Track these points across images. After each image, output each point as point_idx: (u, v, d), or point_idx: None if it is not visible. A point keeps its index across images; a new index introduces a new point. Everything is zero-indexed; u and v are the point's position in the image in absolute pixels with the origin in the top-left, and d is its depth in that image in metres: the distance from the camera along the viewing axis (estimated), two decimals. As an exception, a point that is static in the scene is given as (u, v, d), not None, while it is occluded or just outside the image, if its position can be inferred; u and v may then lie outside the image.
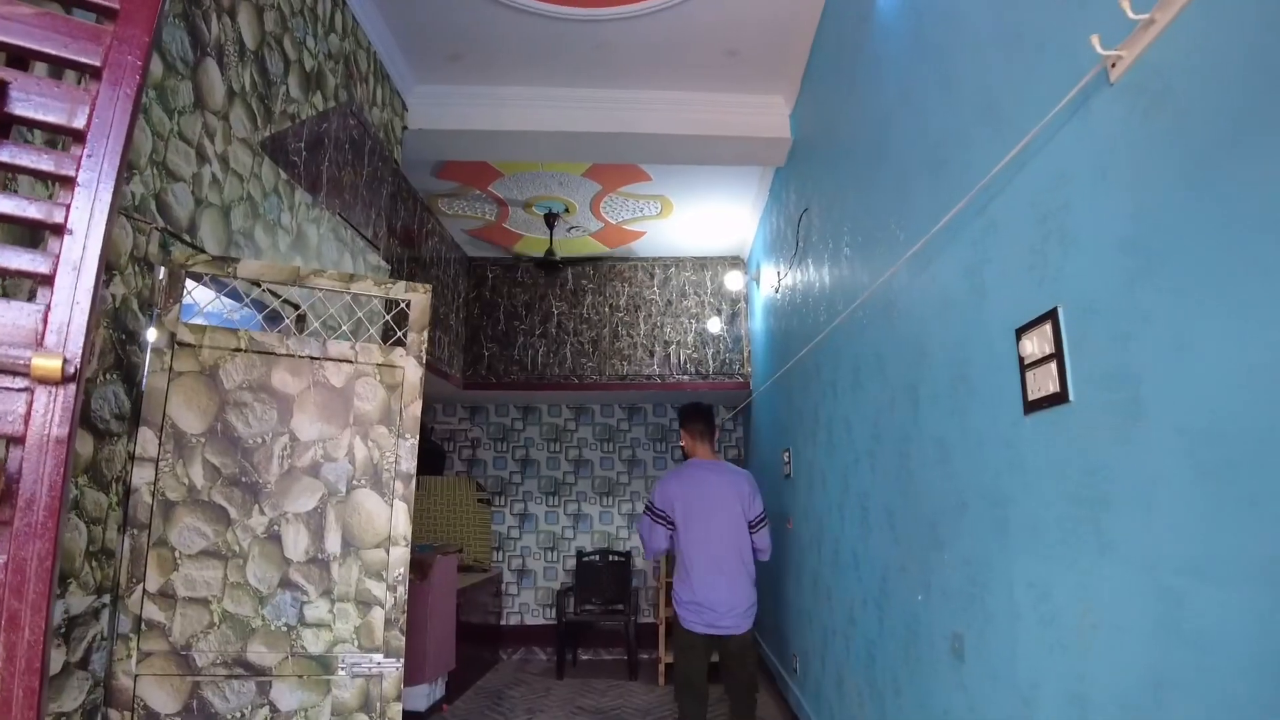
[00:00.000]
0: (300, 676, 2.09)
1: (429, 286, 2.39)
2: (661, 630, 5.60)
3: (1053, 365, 1.45)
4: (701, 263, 6.32)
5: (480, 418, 6.89)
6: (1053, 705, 1.43)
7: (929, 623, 2.06)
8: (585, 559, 6.44)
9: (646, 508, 3.57)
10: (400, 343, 2.35)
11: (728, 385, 6.09)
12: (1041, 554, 1.49)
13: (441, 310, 5.73)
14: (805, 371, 3.88)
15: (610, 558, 6.46)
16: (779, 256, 4.74)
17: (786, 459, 4.43)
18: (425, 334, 2.36)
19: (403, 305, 2.41)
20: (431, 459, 6.65)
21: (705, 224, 5.67)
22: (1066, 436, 1.40)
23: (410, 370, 2.30)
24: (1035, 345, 1.52)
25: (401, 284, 2.37)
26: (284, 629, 2.11)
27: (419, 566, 4.69)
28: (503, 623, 6.54)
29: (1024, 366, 1.56)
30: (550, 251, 5.45)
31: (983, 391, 1.76)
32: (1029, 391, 1.54)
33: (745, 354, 6.14)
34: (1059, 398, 1.42)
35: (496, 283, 6.35)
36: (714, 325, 6.17)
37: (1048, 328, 1.47)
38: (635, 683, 5.63)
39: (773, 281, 4.97)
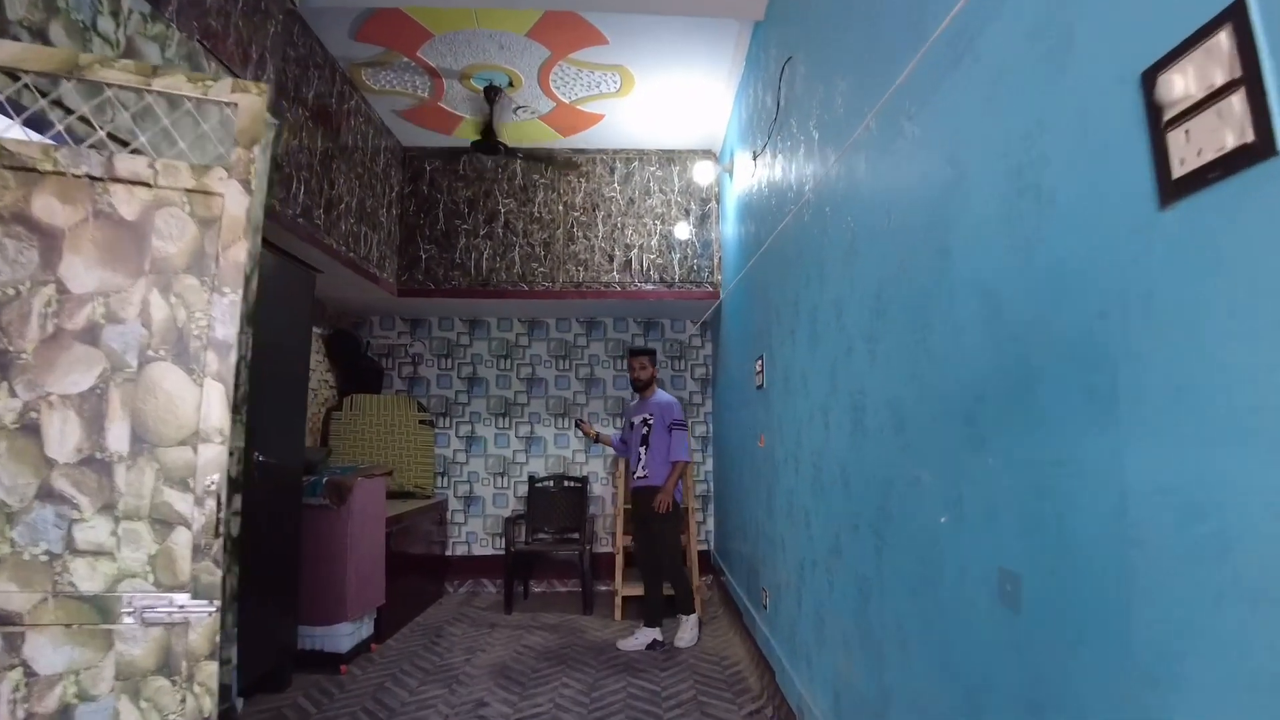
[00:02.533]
0: (67, 626, 1.47)
1: (264, 87, 1.69)
2: (619, 560, 5.08)
3: (1236, 98, 0.82)
4: (668, 156, 5.59)
5: (422, 331, 6.21)
6: (1211, 686, 0.85)
7: (958, 555, 1.48)
8: (538, 485, 5.88)
9: (683, 424, 4.57)
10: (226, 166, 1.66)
11: (696, 294, 5.45)
12: (1195, 436, 0.88)
13: (370, 204, 4.99)
14: (784, 258, 3.25)
15: (565, 484, 5.91)
16: (755, 133, 4.05)
17: (759, 368, 3.84)
18: (258, 152, 1.66)
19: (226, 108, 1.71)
20: (367, 376, 5.98)
21: (672, 105, 4.93)
22: (1270, 218, 0.79)
23: (233, 199, 1.62)
24: (1190, 81, 0.89)
25: (226, 81, 1.67)
26: (43, 559, 1.47)
27: (335, 490, 4.07)
28: (448, 553, 5.99)
29: (1164, 126, 0.93)
30: (489, 129, 4.69)
31: (1071, 191, 1.13)
32: (1175, 163, 0.91)
33: (716, 260, 5.48)
34: (1253, 153, 0.80)
35: (435, 176, 5.58)
36: (681, 231, 5.49)
37: (1219, 42, 0.84)
38: (589, 617, 5.14)
39: (748, 167, 4.29)
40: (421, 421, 5.94)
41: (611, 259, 5.45)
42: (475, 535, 6.02)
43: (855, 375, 2.19)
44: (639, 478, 4.58)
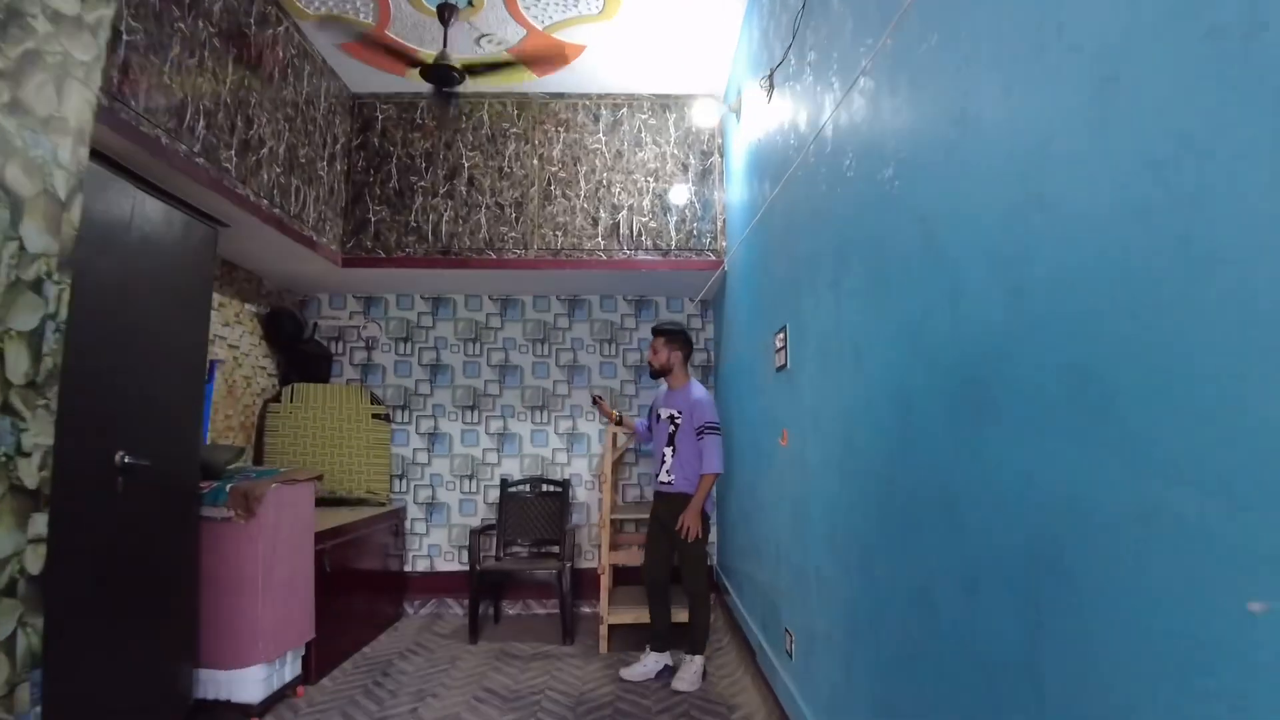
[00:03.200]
0: None
1: None
2: (605, 581, 4.24)
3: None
4: (662, 102, 4.73)
5: (377, 311, 5.34)
6: None
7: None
8: (512, 490, 5.03)
9: (716, 427, 3.75)
10: None
11: (695, 264, 4.60)
12: None
13: (305, 154, 4.13)
14: (811, 184, 2.41)
15: (543, 488, 5.06)
16: (769, 59, 3.20)
17: (779, 344, 2.99)
18: None
19: None
20: (313, 363, 5.11)
21: (666, 34, 4.07)
22: None
23: None
24: None
25: None
26: None
27: (242, 499, 3.22)
28: (407, 569, 5.14)
29: None
30: (443, 57, 3.81)
31: None
32: None
33: (719, 224, 4.63)
34: None
35: (388, 127, 4.71)
36: (679, 195, 4.64)
37: None
38: (570, 647, 4.30)
39: (759, 101, 3.44)
40: (376, 416, 5.09)
41: (595, 222, 4.59)
42: (438, 548, 5.17)
43: (971, 334, 1.34)
44: (663, 482, 3.84)
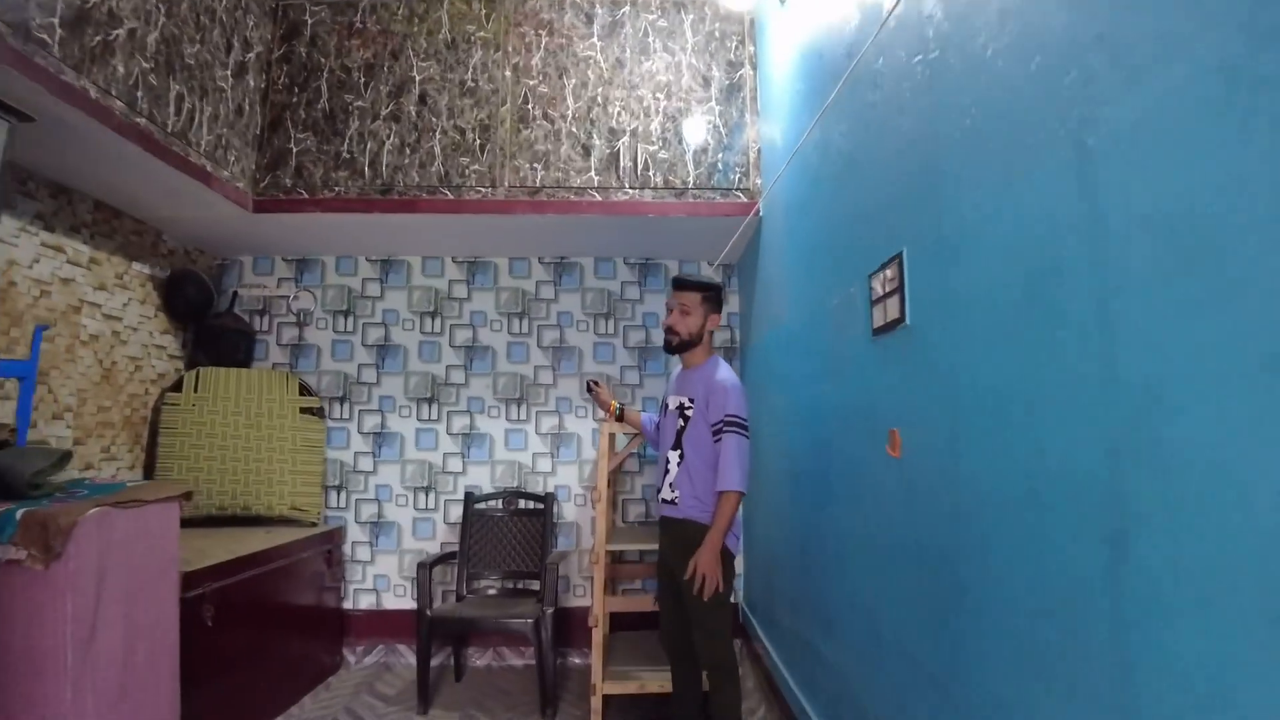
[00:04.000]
0: None
1: None
2: (598, 635, 3.10)
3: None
4: (677, -3, 3.60)
5: (311, 278, 4.20)
6: None
7: None
8: (479, 507, 3.90)
9: (742, 425, 2.48)
10: None
11: (720, 208, 3.46)
12: None
13: (195, 55, 3.01)
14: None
15: (520, 505, 3.92)
16: None
17: (884, 286, 1.83)
18: None
19: None
20: (228, 342, 3.97)
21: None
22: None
23: None
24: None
25: None
26: None
27: (38, 533, 2.09)
28: (347, 606, 4.00)
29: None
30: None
31: None
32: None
33: (751, 157, 3.49)
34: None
35: (319, 34, 3.57)
36: (698, 119, 3.50)
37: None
38: (552, 724, 3.17)
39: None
40: (306, 410, 3.95)
41: (587, 151, 3.45)
42: (386, 580, 4.02)
43: None
44: (665, 501, 2.64)
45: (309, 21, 3.60)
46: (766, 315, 3.38)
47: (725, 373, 2.57)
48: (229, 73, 3.28)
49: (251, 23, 3.45)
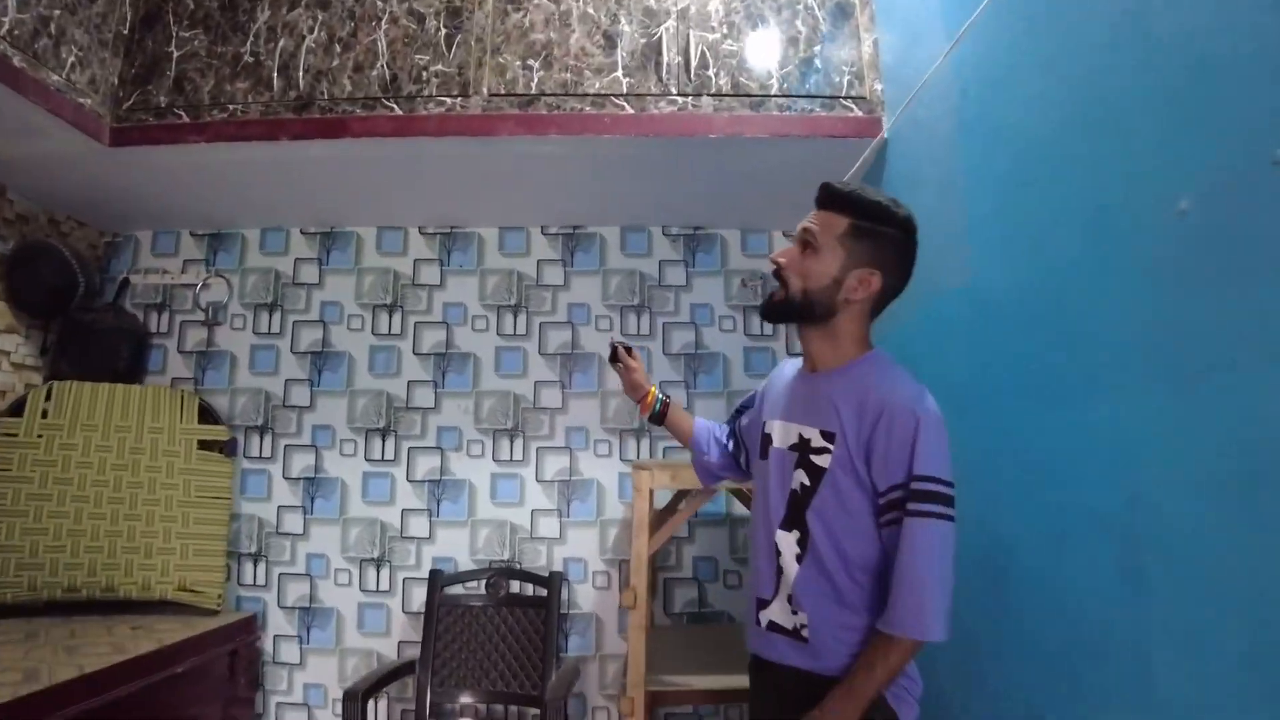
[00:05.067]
0: None
1: None
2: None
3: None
4: None
5: (229, 257, 2.99)
6: None
7: None
8: (451, 591, 2.61)
9: (946, 499, 1.19)
10: None
11: (824, 125, 2.18)
12: None
13: None
14: None
15: (512, 588, 2.63)
16: None
17: None
18: None
19: None
20: (104, 344, 2.78)
21: None
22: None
23: None
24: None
25: None
26: None
27: None
28: (261, 733, 2.72)
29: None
30: None
31: None
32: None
33: (865, 50, 2.24)
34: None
35: (217, -112, 2.41)
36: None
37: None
38: None
39: None
40: (208, 445, 2.72)
41: (611, 42, 2.22)
42: (322, 692, 2.73)
43: None
44: (775, 628, 1.34)
45: None
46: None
47: (906, 387, 1.27)
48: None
49: None
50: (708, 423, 1.74)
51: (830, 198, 1.34)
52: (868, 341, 1.37)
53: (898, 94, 2.15)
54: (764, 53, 2.23)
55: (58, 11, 2.09)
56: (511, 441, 2.80)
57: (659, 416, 1.72)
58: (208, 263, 2.99)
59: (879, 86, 2.23)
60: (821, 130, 2.18)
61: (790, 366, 1.50)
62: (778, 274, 1.37)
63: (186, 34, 2.33)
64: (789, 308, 1.37)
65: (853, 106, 2.21)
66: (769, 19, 2.25)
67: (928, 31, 1.92)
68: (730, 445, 1.68)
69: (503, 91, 2.17)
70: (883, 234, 1.32)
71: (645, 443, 2.77)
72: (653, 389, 1.73)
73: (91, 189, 2.60)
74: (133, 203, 2.74)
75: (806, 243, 1.34)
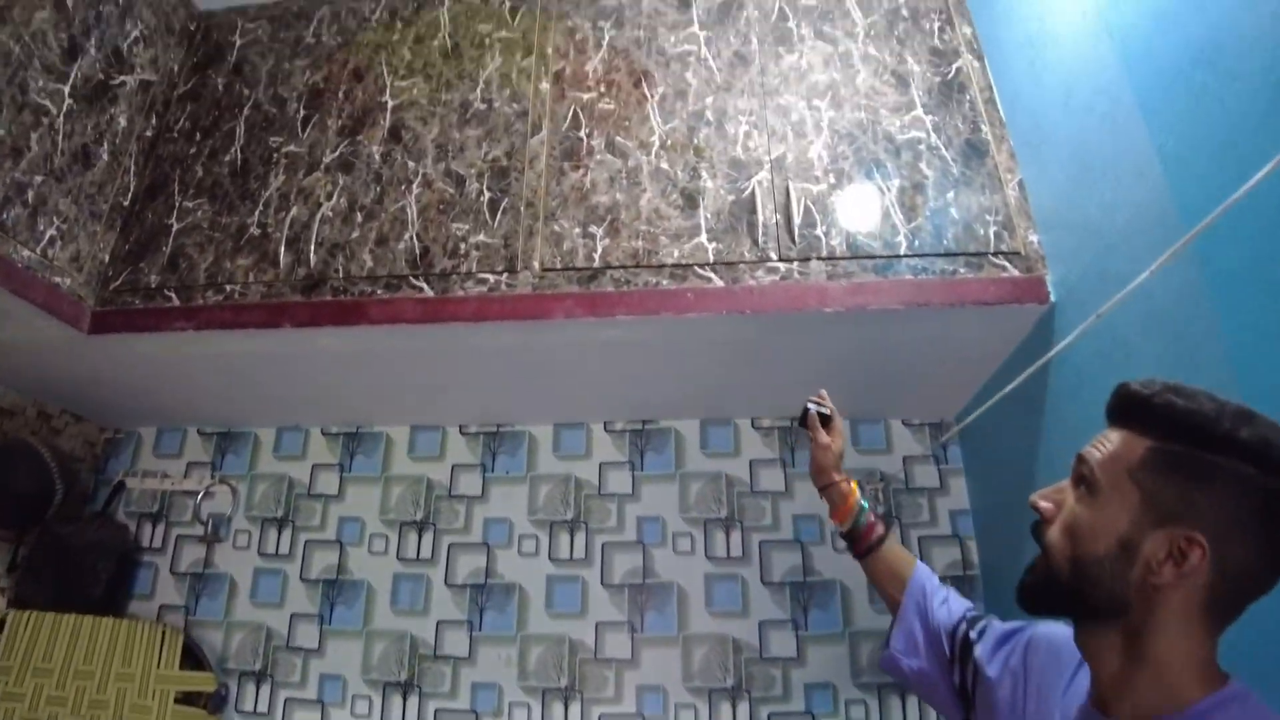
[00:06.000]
0: None
1: None
2: None
3: None
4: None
5: (237, 461, 2.54)
6: None
7: None
8: None
9: None
10: None
11: (968, 290, 1.67)
12: None
13: (29, 81, 1.60)
14: None
15: None
16: None
17: None
18: None
19: None
20: (80, 565, 2.30)
21: None
22: None
23: None
24: None
25: None
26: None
27: None
28: None
29: None
30: None
31: None
32: None
33: (1010, 196, 1.76)
34: None
35: (249, 57, 2.20)
36: (896, 147, 1.81)
37: None
38: None
39: None
40: (189, 700, 2.14)
41: (692, 202, 1.79)
42: None
43: None
44: None
45: (236, 43, 2.23)
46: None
47: None
48: (40, 84, 1.87)
49: (135, 33, 2.09)
50: (935, 585, 1.14)
51: (1125, 405, 0.78)
52: (1211, 667, 0.75)
53: (1061, 244, 1.65)
54: (885, 204, 1.77)
55: (38, 178, 1.79)
56: (566, 707, 2.12)
57: (859, 540, 1.16)
58: (214, 466, 2.54)
59: (1034, 238, 1.73)
60: (969, 296, 1.66)
61: (1068, 655, 0.90)
62: (1036, 530, 0.79)
63: (190, 203, 2.01)
64: (1050, 589, 0.78)
65: (1005, 264, 1.70)
66: (885, 163, 1.81)
67: (1108, 156, 1.45)
68: (947, 653, 1.09)
69: (559, 265, 1.74)
70: (1210, 466, 0.73)
71: (745, 707, 2.06)
72: (854, 487, 1.19)
73: (82, 379, 2.23)
74: (130, 395, 2.36)
75: (1081, 476, 0.77)
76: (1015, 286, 1.69)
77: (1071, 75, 1.63)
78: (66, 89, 1.88)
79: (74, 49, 1.90)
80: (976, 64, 1.95)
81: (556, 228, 1.79)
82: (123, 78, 2.05)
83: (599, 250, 1.75)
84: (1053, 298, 1.67)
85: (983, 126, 1.87)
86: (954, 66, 1.95)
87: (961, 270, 1.70)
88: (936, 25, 2.02)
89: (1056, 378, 1.67)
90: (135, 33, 2.10)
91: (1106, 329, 1.46)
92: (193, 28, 2.31)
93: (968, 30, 2.01)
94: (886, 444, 2.32)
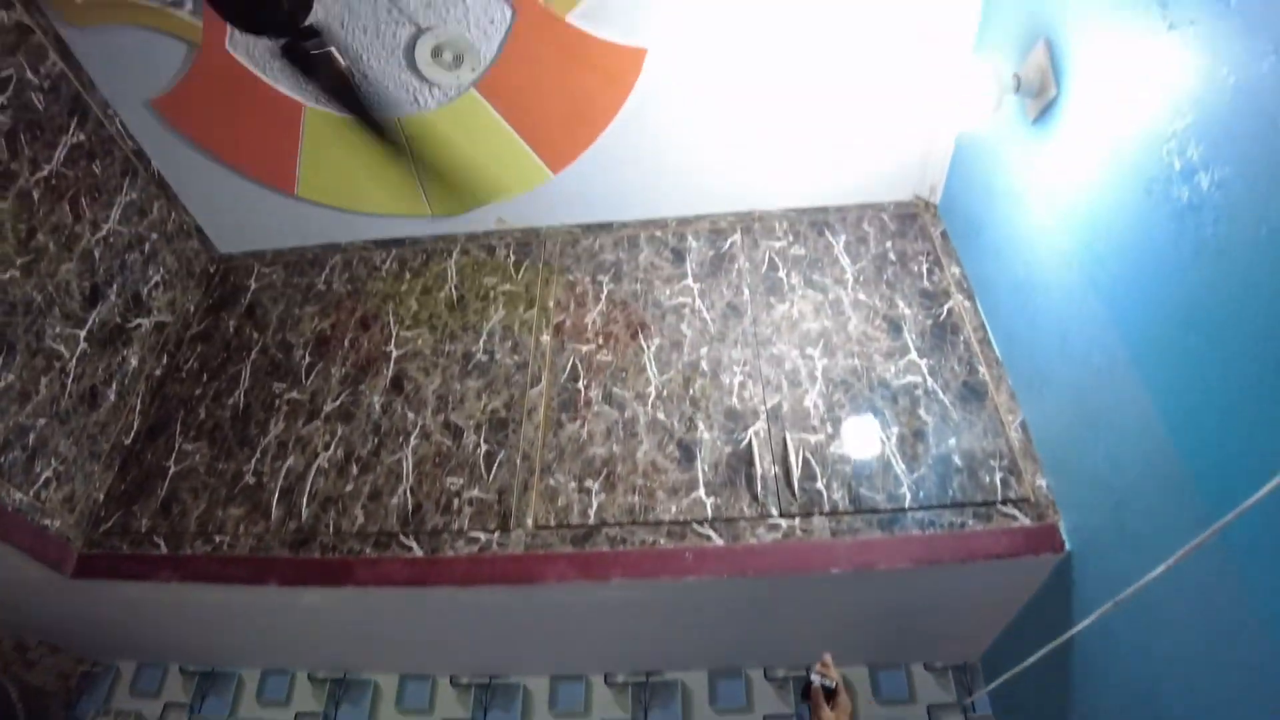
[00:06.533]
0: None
1: None
2: None
3: None
4: (816, 218, 2.21)
5: (218, 704, 2.35)
6: None
7: None
8: None
9: None
10: None
11: (977, 544, 1.59)
12: None
13: (45, 328, 1.68)
14: None
15: None
16: None
17: None
18: None
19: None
20: None
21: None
22: None
23: None
24: None
25: None
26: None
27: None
28: None
29: None
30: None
31: None
32: None
33: (1014, 439, 1.73)
34: None
35: (262, 300, 2.30)
36: (893, 392, 1.83)
37: None
38: None
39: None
40: None
41: (689, 454, 1.77)
42: None
43: None
44: None
45: (251, 286, 2.34)
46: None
47: None
48: (55, 329, 1.93)
49: (157, 278, 2.20)
50: None
51: None
52: None
53: (1072, 490, 1.60)
54: (885, 453, 1.74)
55: (42, 421, 1.80)
56: None
57: None
58: (192, 709, 2.37)
59: (1042, 481, 1.68)
60: (980, 551, 1.59)
61: None
62: None
63: (190, 446, 2.01)
64: None
65: (1015, 512, 1.64)
66: (883, 410, 1.80)
67: (1111, 410, 1.42)
68: None
69: (553, 522, 1.69)
70: None
71: None
72: None
73: (62, 615, 2.13)
74: (111, 631, 2.25)
75: None
76: (1028, 537, 1.62)
77: (1063, 323, 1.64)
78: (82, 334, 1.95)
79: (95, 296, 1.99)
80: (968, 303, 2.00)
81: (552, 481, 1.76)
82: (139, 320, 2.14)
83: (594, 506, 1.71)
84: (1068, 546, 1.59)
85: (979, 367, 1.88)
86: (945, 307, 2.00)
87: (970, 522, 1.63)
88: (925, 267, 2.09)
89: (1084, 632, 1.56)
90: (157, 278, 2.21)
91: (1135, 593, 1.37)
92: (212, 270, 2.44)
93: (956, 270, 2.08)
94: (909, 693, 2.14)
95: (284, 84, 1.95)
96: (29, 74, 1.81)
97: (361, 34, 1.83)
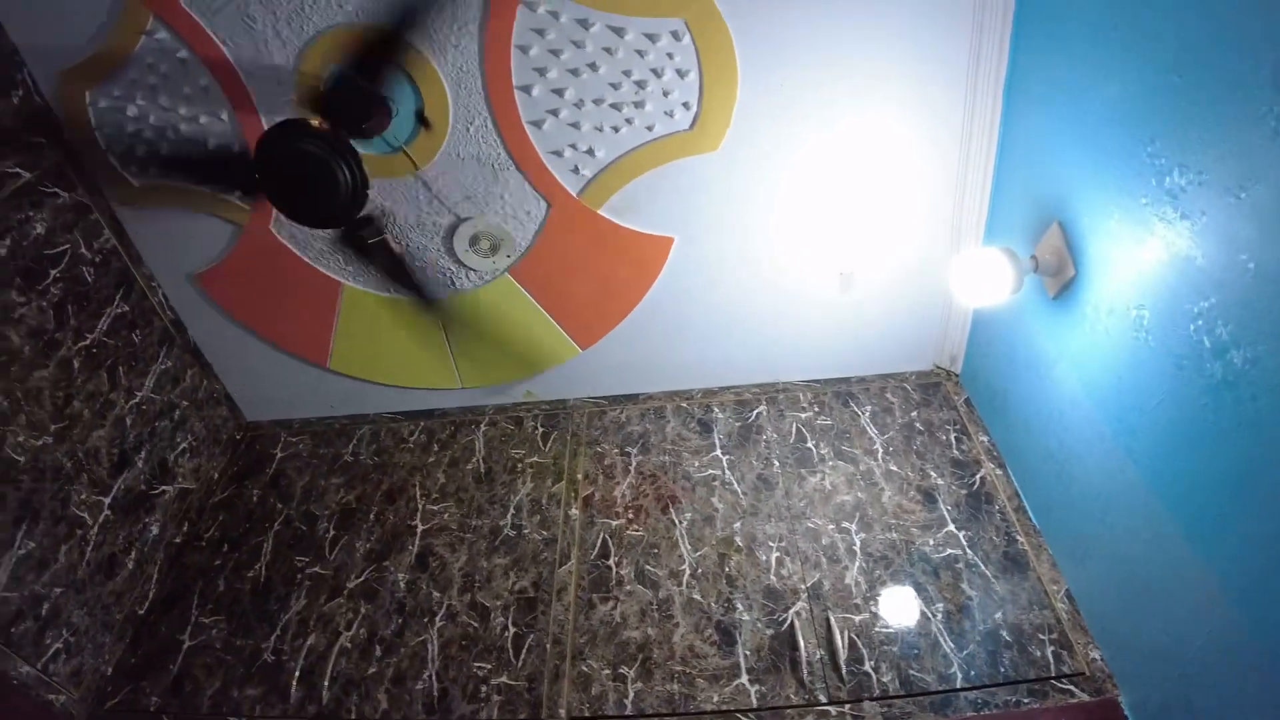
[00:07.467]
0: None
1: None
2: None
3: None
4: (840, 389, 2.26)
5: None
6: None
7: None
8: None
9: None
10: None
11: (1042, 738, 1.51)
12: None
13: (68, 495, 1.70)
14: None
15: None
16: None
17: None
18: None
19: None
20: None
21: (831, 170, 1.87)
22: None
23: None
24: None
25: None
26: None
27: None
28: None
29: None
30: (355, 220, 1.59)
31: None
32: None
33: (1062, 611, 1.67)
34: None
35: (287, 471, 2.30)
36: (932, 567, 1.80)
37: None
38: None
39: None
40: None
41: (728, 639, 1.70)
42: None
43: None
44: None
45: (277, 455, 2.34)
46: None
47: None
48: (80, 496, 1.90)
49: (184, 444, 2.20)
50: None
51: None
52: None
53: (1130, 664, 1.53)
54: (932, 631, 1.67)
55: (58, 590, 1.74)
56: None
57: None
58: None
59: (1095, 654, 1.61)
60: (1038, 743, 1.49)
61: None
62: None
63: (207, 619, 1.94)
64: None
65: (1071, 687, 1.56)
66: (926, 586, 1.75)
67: (1167, 583, 1.38)
68: None
69: (587, 714, 1.60)
70: None
71: None
72: None
73: None
74: None
75: None
76: (1088, 715, 1.52)
77: (1102, 494, 1.62)
78: (107, 500, 1.93)
79: (123, 463, 1.99)
80: (999, 472, 2.00)
81: (585, 668, 1.68)
82: (164, 487, 2.12)
83: (630, 695, 1.62)
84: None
85: (1018, 537, 1.85)
86: (978, 476, 1.99)
87: (1026, 700, 1.55)
88: (953, 436, 2.11)
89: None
90: (184, 444, 2.22)
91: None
92: (238, 437, 2.46)
93: (984, 438, 2.09)
94: None
95: (324, 263, 2.06)
96: (83, 249, 1.91)
97: (404, 222, 1.95)
